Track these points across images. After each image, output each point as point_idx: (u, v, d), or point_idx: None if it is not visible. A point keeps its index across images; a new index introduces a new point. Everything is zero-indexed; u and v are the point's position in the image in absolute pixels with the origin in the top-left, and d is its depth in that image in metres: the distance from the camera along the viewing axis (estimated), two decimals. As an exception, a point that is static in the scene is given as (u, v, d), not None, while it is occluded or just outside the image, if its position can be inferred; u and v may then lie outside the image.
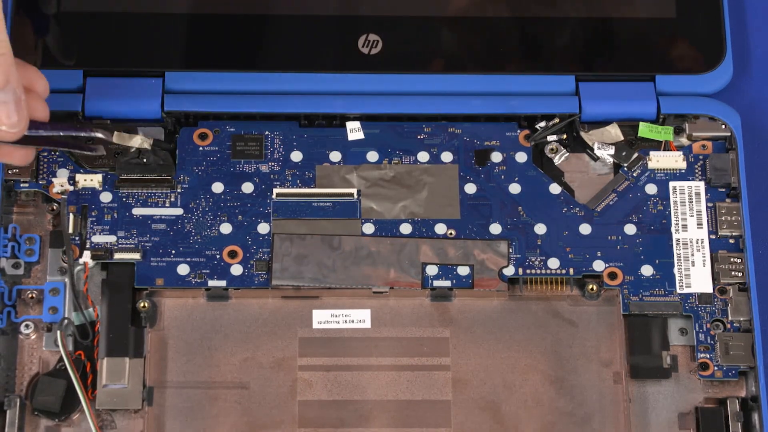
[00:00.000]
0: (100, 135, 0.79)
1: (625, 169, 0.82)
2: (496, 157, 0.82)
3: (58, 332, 0.77)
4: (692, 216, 0.81)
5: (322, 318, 0.79)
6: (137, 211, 0.80)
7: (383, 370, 0.78)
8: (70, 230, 0.79)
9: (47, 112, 0.76)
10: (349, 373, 0.78)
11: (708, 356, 0.78)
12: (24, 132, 0.73)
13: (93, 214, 0.80)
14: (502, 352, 0.79)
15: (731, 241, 0.80)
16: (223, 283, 0.79)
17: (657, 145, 0.83)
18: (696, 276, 0.80)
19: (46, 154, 0.81)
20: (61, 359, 0.77)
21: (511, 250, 0.80)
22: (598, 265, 0.80)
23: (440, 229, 0.81)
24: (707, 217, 0.81)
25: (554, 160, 0.83)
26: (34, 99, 0.75)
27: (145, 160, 0.80)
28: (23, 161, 0.76)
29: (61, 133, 0.77)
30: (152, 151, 0.80)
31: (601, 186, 0.82)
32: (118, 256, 0.79)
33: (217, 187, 0.81)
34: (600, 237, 0.81)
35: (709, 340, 0.79)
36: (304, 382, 0.78)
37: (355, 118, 0.83)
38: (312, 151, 0.82)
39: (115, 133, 0.80)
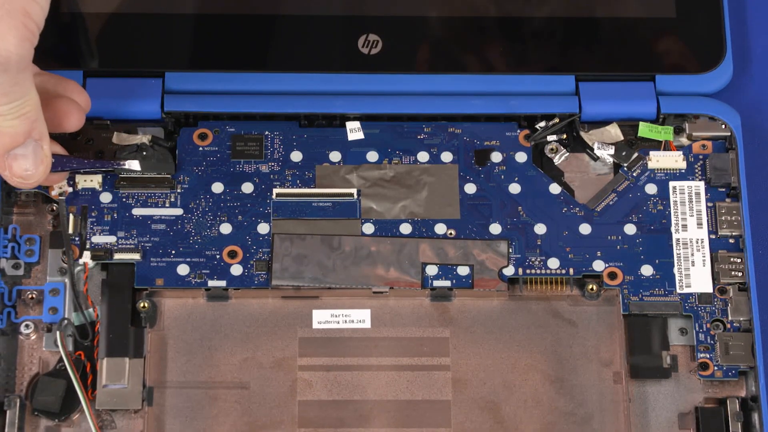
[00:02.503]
0: (126, 166, 0.79)
1: (625, 169, 0.82)
2: (496, 157, 0.82)
3: (58, 332, 0.77)
4: (692, 216, 0.81)
5: (322, 318, 0.79)
6: (137, 212, 0.80)
7: (383, 370, 0.78)
8: (70, 231, 0.79)
9: (81, 120, 0.77)
10: (349, 373, 0.78)
11: (708, 356, 0.78)
12: (40, 182, 0.75)
13: (93, 214, 0.80)
14: (502, 352, 0.79)
15: (731, 241, 0.80)
16: (223, 283, 0.79)
17: (657, 145, 0.83)
18: (696, 276, 0.80)
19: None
20: (61, 359, 0.78)
21: (511, 250, 0.80)
22: (598, 265, 0.80)
23: (440, 229, 0.81)
24: (707, 217, 0.81)
25: (554, 160, 0.83)
26: (67, 104, 0.76)
27: (144, 153, 0.80)
28: (55, 183, 0.80)
29: (88, 168, 0.78)
30: (151, 146, 0.80)
31: (601, 186, 0.82)
32: (118, 256, 0.79)
33: (217, 187, 0.81)
34: (600, 237, 0.81)
35: (709, 340, 0.79)
36: (304, 382, 0.78)
37: (355, 118, 0.83)
38: (312, 151, 0.82)
39: (115, 133, 0.80)
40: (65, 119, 0.76)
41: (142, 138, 0.80)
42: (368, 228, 0.80)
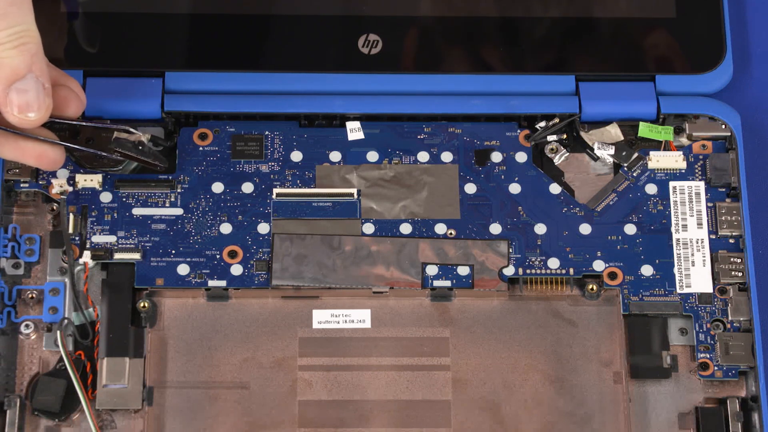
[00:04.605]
0: (122, 127, 0.78)
1: (625, 169, 0.82)
2: (496, 157, 0.82)
3: (58, 332, 0.77)
4: (692, 216, 0.81)
5: (322, 318, 0.79)
6: (137, 211, 0.80)
7: (383, 370, 0.78)
8: (70, 230, 0.79)
9: (80, 109, 0.76)
10: (349, 373, 0.78)
11: (708, 356, 0.78)
12: (43, 121, 0.73)
13: (93, 214, 0.80)
14: (502, 352, 0.79)
15: (731, 241, 0.80)
16: (223, 283, 0.79)
17: (657, 145, 0.83)
18: (696, 276, 0.80)
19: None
20: (61, 359, 0.78)
21: (511, 250, 0.80)
22: (598, 265, 0.80)
23: (440, 229, 0.81)
24: (707, 217, 0.81)
25: (554, 160, 0.83)
26: (68, 92, 0.76)
27: (141, 147, 0.79)
28: (52, 163, 0.76)
29: (84, 123, 0.77)
30: (150, 143, 0.80)
31: (601, 186, 0.82)
32: (118, 256, 0.79)
33: (217, 187, 0.81)
34: (600, 237, 0.81)
35: (709, 340, 0.79)
36: (304, 382, 0.78)
37: (355, 118, 0.83)
38: (312, 151, 0.82)
39: (115, 133, 0.80)
40: (65, 105, 0.76)
41: (141, 137, 0.80)
42: (368, 228, 0.80)
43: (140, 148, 0.79)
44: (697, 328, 0.79)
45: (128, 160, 0.79)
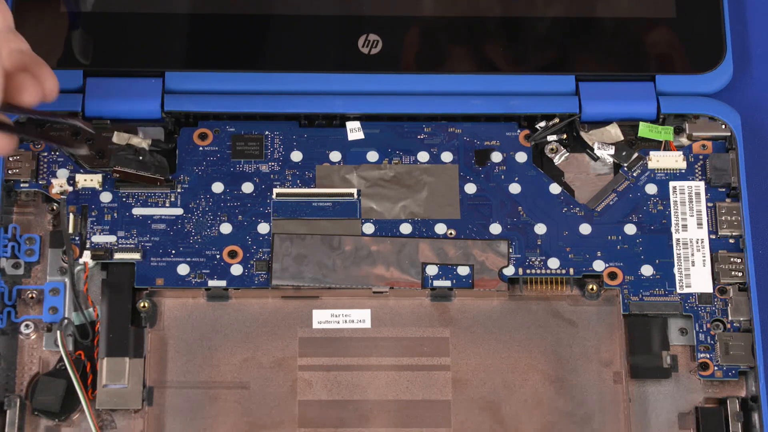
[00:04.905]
0: (79, 124, 0.76)
1: (625, 169, 0.82)
2: (496, 157, 0.82)
3: (58, 332, 0.77)
4: (692, 216, 0.81)
5: (322, 318, 0.79)
6: (137, 211, 0.80)
7: (383, 370, 0.78)
8: (70, 230, 0.79)
9: (35, 99, 0.72)
10: (349, 373, 0.78)
11: (708, 356, 0.78)
12: None
13: (93, 214, 0.80)
14: (502, 352, 0.79)
15: (731, 241, 0.80)
16: (223, 283, 0.79)
17: (657, 145, 0.83)
18: (696, 276, 0.80)
19: (46, 153, 0.81)
20: (61, 359, 0.78)
21: (511, 250, 0.80)
22: (598, 265, 0.80)
23: (440, 229, 0.81)
24: (707, 217, 0.81)
25: (554, 160, 0.83)
26: (28, 80, 0.72)
27: (141, 158, 0.79)
28: (3, 149, 0.72)
29: (38, 117, 0.76)
30: (150, 151, 0.80)
31: (601, 186, 0.82)
32: (118, 256, 0.79)
33: (217, 187, 0.81)
34: (600, 237, 0.81)
35: (709, 340, 0.79)
36: (304, 382, 0.78)
37: (355, 118, 0.83)
38: (312, 151, 0.82)
39: (115, 133, 0.80)
40: (18, 92, 0.71)
41: (141, 143, 0.80)
42: (368, 228, 0.80)
43: (141, 158, 0.79)
44: (697, 328, 0.79)
45: (129, 179, 0.79)
